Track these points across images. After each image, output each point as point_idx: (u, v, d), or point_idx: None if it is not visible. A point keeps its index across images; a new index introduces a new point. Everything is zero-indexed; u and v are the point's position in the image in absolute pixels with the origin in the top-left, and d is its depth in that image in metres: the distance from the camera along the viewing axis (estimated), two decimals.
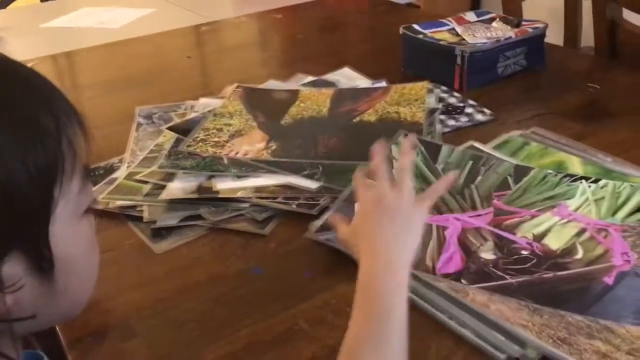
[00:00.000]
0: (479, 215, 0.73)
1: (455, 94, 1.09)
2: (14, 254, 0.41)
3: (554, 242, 0.68)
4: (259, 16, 1.69)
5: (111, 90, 1.25)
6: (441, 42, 1.14)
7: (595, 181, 0.77)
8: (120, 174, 0.89)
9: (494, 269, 0.65)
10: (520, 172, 0.81)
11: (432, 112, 1.00)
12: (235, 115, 1.04)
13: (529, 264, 0.65)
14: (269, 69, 1.33)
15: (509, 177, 0.80)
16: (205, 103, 1.09)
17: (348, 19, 1.69)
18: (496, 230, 0.70)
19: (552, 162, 0.85)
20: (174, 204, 0.81)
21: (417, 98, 1.04)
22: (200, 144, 0.94)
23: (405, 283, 0.54)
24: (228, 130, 0.98)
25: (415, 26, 1.21)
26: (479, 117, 1.00)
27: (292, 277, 0.68)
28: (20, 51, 1.48)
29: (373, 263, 0.55)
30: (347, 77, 1.18)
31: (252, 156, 0.91)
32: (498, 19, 1.23)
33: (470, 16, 1.25)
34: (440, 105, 1.03)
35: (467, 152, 0.86)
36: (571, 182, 0.78)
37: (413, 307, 0.62)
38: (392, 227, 0.58)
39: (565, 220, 0.71)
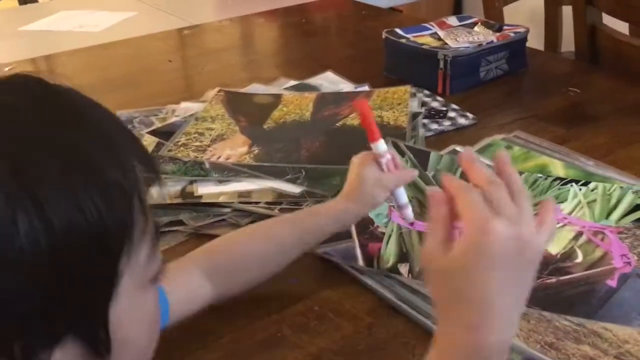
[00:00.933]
0: None
1: (438, 98, 1.09)
2: (67, 339, 0.34)
3: (553, 247, 0.67)
4: (241, 20, 1.68)
5: (92, 95, 1.21)
6: (424, 47, 1.14)
7: (585, 184, 0.77)
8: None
9: None
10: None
11: (414, 116, 1.00)
12: (217, 119, 1.03)
13: None
14: (251, 73, 1.32)
15: None
16: (187, 107, 1.08)
17: (331, 23, 1.69)
18: None
19: (535, 166, 0.86)
20: (155, 209, 0.79)
21: (400, 102, 1.04)
22: (181, 148, 0.93)
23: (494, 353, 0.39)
24: (210, 135, 0.97)
25: (398, 30, 1.21)
26: (462, 121, 1.01)
27: (276, 284, 0.67)
28: None
29: (446, 328, 0.40)
30: (330, 81, 1.18)
31: (234, 160, 0.90)
32: (480, 23, 1.23)
33: (453, 21, 1.26)
34: (423, 110, 1.03)
35: (456, 158, 0.85)
36: (561, 185, 0.78)
37: (397, 313, 0.62)
38: (518, 282, 0.40)
39: (560, 224, 0.71)
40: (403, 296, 0.63)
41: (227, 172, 0.87)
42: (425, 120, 1.00)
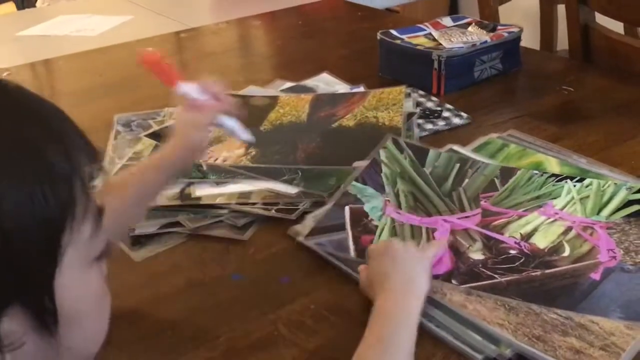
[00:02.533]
0: (467, 217, 0.74)
1: (433, 98, 1.10)
2: (14, 309, 0.36)
3: (541, 241, 0.69)
4: (238, 23, 1.69)
5: (89, 98, 1.24)
6: (418, 47, 1.15)
7: (580, 180, 0.79)
8: (98, 182, 0.88)
9: (483, 269, 0.66)
10: (506, 173, 0.82)
11: (409, 116, 1.01)
12: None
13: (517, 263, 0.66)
14: (248, 75, 1.33)
15: (495, 179, 0.81)
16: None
17: (326, 25, 1.70)
18: (484, 231, 0.72)
19: (530, 163, 0.87)
20: (153, 211, 0.80)
21: (395, 102, 1.05)
22: None
23: (415, 312, 0.57)
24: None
25: (393, 31, 1.22)
26: (456, 120, 1.02)
27: (271, 283, 0.68)
28: None
29: (385, 297, 0.59)
30: (326, 83, 1.19)
31: (231, 162, 0.91)
32: (474, 23, 1.24)
33: (447, 21, 1.27)
34: (417, 110, 1.04)
35: (454, 155, 0.87)
36: (556, 182, 0.79)
37: None
38: (402, 268, 0.61)
39: (551, 220, 0.72)
40: None
41: (225, 174, 0.88)
42: (420, 120, 1.01)
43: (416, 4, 2.50)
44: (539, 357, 0.55)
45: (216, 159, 0.92)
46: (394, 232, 0.73)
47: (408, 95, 1.08)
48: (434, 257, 0.65)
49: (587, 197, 0.75)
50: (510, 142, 0.92)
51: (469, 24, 1.25)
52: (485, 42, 1.15)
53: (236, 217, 0.79)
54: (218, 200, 0.82)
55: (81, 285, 0.40)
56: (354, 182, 0.81)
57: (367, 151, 0.89)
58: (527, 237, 0.70)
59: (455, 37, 1.17)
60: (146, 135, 1.00)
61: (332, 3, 1.82)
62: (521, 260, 0.66)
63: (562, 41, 1.59)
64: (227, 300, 0.66)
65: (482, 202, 0.77)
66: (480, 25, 1.23)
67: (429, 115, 1.03)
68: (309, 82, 1.18)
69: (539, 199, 0.77)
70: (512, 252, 0.68)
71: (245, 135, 0.69)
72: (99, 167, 0.42)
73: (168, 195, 0.83)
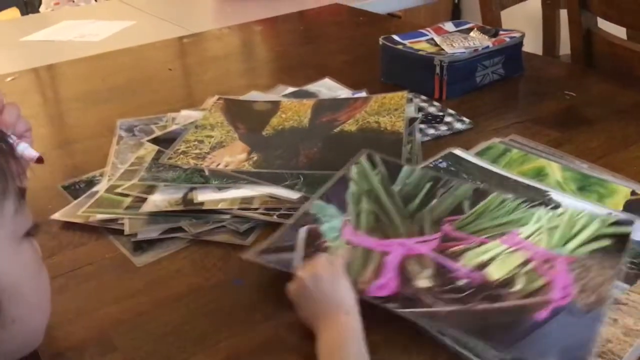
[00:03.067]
0: (424, 241, 0.70)
1: (435, 103, 1.10)
2: None
3: (496, 272, 0.65)
4: (240, 28, 1.69)
5: (92, 103, 1.25)
6: (420, 52, 1.15)
7: (555, 207, 0.74)
8: (101, 187, 0.88)
9: (426, 297, 0.62)
10: (478, 195, 0.77)
11: (411, 121, 1.01)
12: (217, 126, 1.04)
13: (463, 294, 0.62)
14: (250, 80, 1.33)
15: (465, 201, 0.77)
16: (187, 115, 1.09)
17: (328, 30, 1.71)
18: (438, 258, 0.68)
19: (532, 168, 0.87)
20: (155, 216, 0.81)
21: (397, 108, 1.05)
22: (181, 156, 0.94)
23: (352, 327, 0.57)
24: (209, 142, 0.98)
25: (395, 37, 1.22)
26: (458, 125, 1.02)
27: (273, 288, 0.68)
28: (0, 65, 1.48)
29: (322, 329, 0.58)
30: (328, 88, 1.19)
31: (233, 167, 0.91)
32: (476, 28, 1.24)
33: (449, 26, 1.27)
34: (419, 115, 1.04)
35: (428, 173, 0.83)
36: (529, 207, 0.74)
37: (392, 316, 0.63)
38: (320, 294, 0.60)
39: (512, 249, 0.68)
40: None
41: (227, 179, 0.88)
42: (422, 126, 1.01)
43: (418, 9, 2.51)
44: None
45: (218, 164, 0.92)
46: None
47: (410, 100, 1.09)
48: (344, 263, 0.64)
49: (557, 226, 0.70)
50: (512, 147, 0.92)
51: (471, 29, 1.25)
52: (487, 47, 1.15)
53: (238, 222, 0.79)
54: (220, 206, 0.82)
55: (13, 260, 0.44)
56: (316, 201, 0.77)
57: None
58: (482, 266, 0.66)
59: (457, 43, 1.17)
60: (149, 141, 1.00)
61: (334, 8, 1.83)
62: (468, 292, 0.62)
63: (565, 46, 1.59)
64: (228, 305, 0.66)
65: (446, 226, 0.72)
66: (482, 30, 1.24)
67: (431, 120, 1.03)
68: (311, 88, 1.19)
69: (505, 225, 0.72)
70: (461, 282, 0.64)
71: (29, 152, 0.61)
72: (11, 149, 0.45)
73: (170, 200, 0.83)
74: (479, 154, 0.91)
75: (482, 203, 0.76)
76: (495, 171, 0.86)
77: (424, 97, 1.12)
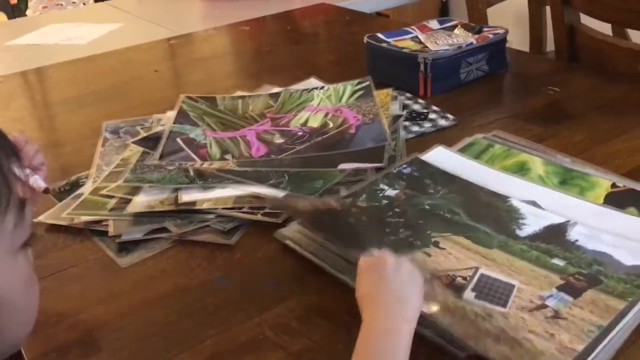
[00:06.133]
0: (262, 124, 1.05)
1: (420, 100, 1.10)
2: None
3: (314, 123, 1.03)
4: (227, 29, 1.69)
5: (79, 106, 1.25)
6: (404, 50, 1.16)
7: (322, 88, 1.16)
8: (86, 189, 0.88)
9: (287, 146, 0.97)
10: (275, 96, 1.15)
11: (396, 118, 1.02)
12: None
13: (304, 138, 0.98)
14: (237, 80, 1.33)
15: (269, 101, 1.13)
16: (172, 116, 1.09)
17: (315, 30, 1.71)
18: (278, 128, 1.03)
19: (515, 163, 0.87)
20: (139, 217, 0.81)
21: (382, 105, 1.06)
22: None
23: (405, 336, 0.54)
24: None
25: (379, 35, 1.22)
26: (442, 122, 1.02)
27: (257, 287, 0.69)
28: None
29: (371, 315, 0.55)
30: (314, 87, 1.19)
31: (217, 167, 0.91)
32: (460, 25, 1.25)
33: (433, 24, 1.28)
34: (404, 112, 1.05)
35: (235, 98, 1.16)
36: (308, 93, 1.14)
37: None
38: (392, 286, 0.57)
39: (314, 112, 1.07)
40: None
41: (211, 178, 0.88)
42: (407, 123, 1.02)
43: (406, 8, 2.51)
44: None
45: (202, 164, 0.92)
46: (219, 144, 0.98)
47: (395, 98, 1.09)
48: (423, 276, 0.60)
49: (330, 95, 1.12)
50: (495, 142, 0.93)
51: (455, 26, 1.25)
52: (471, 44, 1.15)
53: (222, 221, 0.80)
54: (205, 205, 0.82)
55: (8, 273, 0.44)
56: (173, 124, 1.04)
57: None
58: (304, 124, 1.03)
59: (441, 40, 1.18)
60: (134, 142, 1.00)
61: (321, 8, 1.83)
62: (306, 137, 0.99)
63: (552, 43, 1.60)
64: (213, 304, 0.67)
65: (268, 115, 1.08)
66: (466, 27, 1.24)
67: (416, 117, 1.04)
68: (297, 87, 1.19)
69: (301, 104, 1.11)
70: (299, 133, 1.00)
71: (42, 184, 0.69)
72: (17, 161, 0.45)
73: (155, 200, 0.83)
74: (462, 150, 0.91)
75: (280, 98, 1.14)
76: (459, 177, 0.84)
77: (408, 95, 1.12)
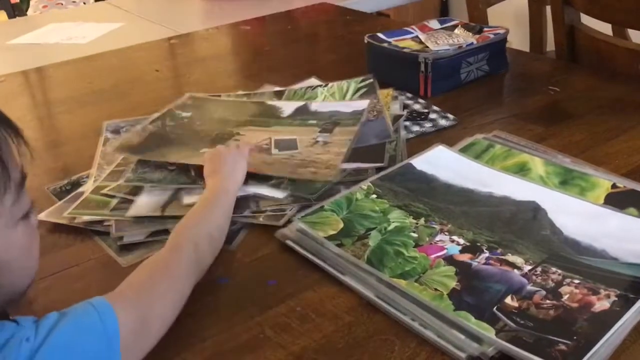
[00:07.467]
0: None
1: (420, 100, 1.11)
2: None
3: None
4: (227, 28, 1.70)
5: (80, 105, 1.25)
6: (405, 50, 1.16)
7: (325, 86, 1.17)
8: (87, 188, 0.89)
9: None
10: (278, 93, 1.18)
11: (396, 118, 1.02)
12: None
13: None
14: (237, 79, 1.34)
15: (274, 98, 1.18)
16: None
17: (316, 29, 1.71)
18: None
19: (515, 163, 0.87)
20: (142, 220, 0.81)
21: (383, 105, 1.06)
22: None
23: (232, 191, 0.79)
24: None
25: (380, 35, 1.23)
26: (443, 122, 1.02)
27: (258, 286, 0.69)
28: None
29: (214, 180, 0.80)
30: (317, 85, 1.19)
31: None
32: (460, 25, 1.25)
33: (434, 24, 1.28)
34: (405, 112, 1.05)
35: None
36: (312, 90, 1.16)
37: (377, 310, 0.64)
38: (225, 165, 0.83)
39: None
40: (382, 293, 0.65)
41: None
42: (407, 123, 1.02)
43: (406, 7, 2.52)
44: (523, 356, 0.55)
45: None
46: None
47: (395, 98, 1.09)
48: (247, 152, 0.89)
49: (334, 92, 1.14)
50: (495, 142, 0.93)
51: (455, 26, 1.26)
52: (471, 44, 1.16)
53: None
54: None
55: (7, 242, 0.48)
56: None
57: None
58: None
59: (441, 40, 1.18)
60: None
61: (321, 8, 1.83)
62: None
63: (552, 43, 1.60)
64: (213, 303, 0.67)
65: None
66: (467, 27, 1.24)
67: (416, 117, 1.04)
68: (297, 87, 1.19)
69: (306, 100, 1.13)
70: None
71: None
72: (18, 138, 0.47)
73: (153, 204, 0.83)
74: (463, 150, 0.91)
75: (284, 95, 1.16)
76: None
77: (409, 95, 1.12)
